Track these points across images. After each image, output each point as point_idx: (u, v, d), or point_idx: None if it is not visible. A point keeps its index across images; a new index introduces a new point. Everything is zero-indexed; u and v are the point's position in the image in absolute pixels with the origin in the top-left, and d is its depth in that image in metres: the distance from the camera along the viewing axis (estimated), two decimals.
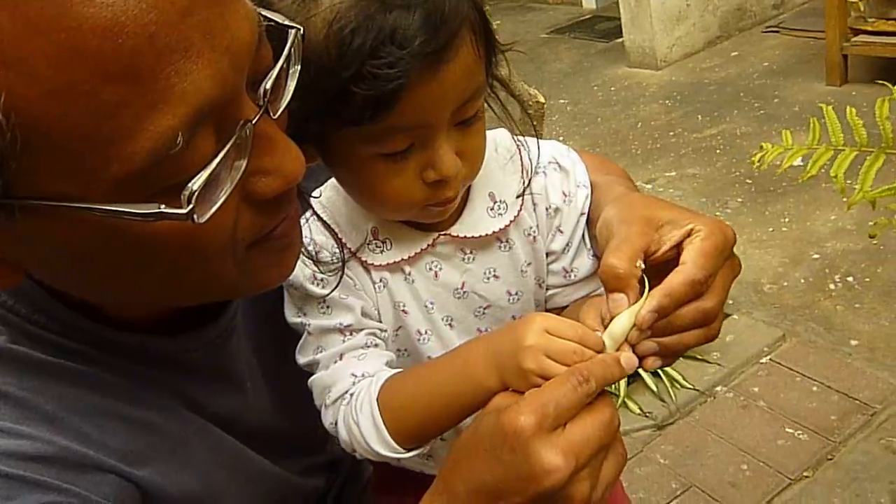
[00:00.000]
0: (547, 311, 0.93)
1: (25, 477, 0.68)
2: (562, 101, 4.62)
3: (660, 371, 2.17)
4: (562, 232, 0.88)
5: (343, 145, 0.73)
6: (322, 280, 0.83)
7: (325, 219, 0.83)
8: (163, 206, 0.54)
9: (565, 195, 0.87)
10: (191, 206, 0.55)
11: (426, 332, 0.88)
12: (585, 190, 0.88)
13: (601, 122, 4.20)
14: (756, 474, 1.85)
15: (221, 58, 0.55)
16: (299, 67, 0.64)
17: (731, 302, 2.45)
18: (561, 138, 4.08)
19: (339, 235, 0.84)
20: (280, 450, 1.01)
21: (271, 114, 0.61)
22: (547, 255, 0.90)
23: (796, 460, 1.85)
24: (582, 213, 0.89)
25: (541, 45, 5.80)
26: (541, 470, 0.62)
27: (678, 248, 0.71)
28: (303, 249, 0.79)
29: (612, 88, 4.62)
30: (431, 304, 0.86)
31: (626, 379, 2.13)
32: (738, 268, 0.76)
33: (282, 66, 0.62)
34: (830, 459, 1.85)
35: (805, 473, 1.81)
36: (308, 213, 0.84)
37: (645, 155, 3.67)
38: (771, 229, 2.86)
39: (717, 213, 3.03)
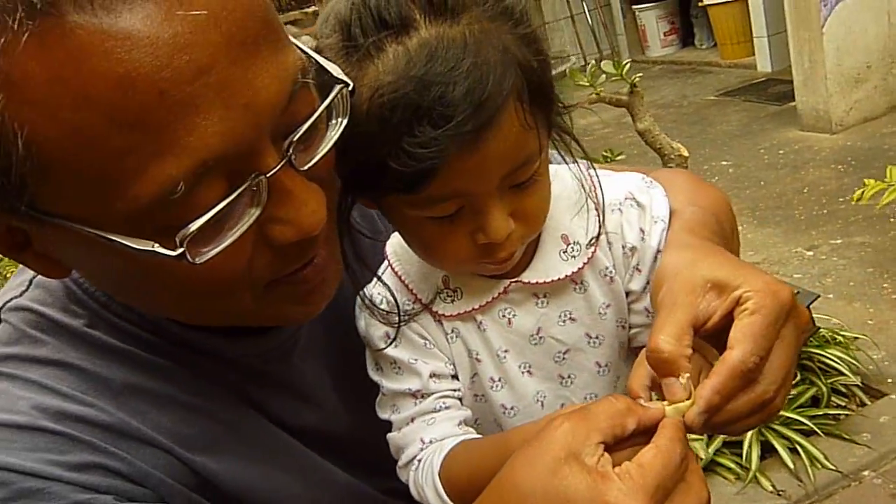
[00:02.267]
0: (631, 349, 0.88)
1: (77, 437, 0.73)
2: (724, 162, 4.46)
3: (799, 447, 2.00)
4: (640, 271, 0.84)
5: (392, 207, 0.73)
6: (395, 340, 0.83)
7: (397, 270, 0.84)
8: (156, 245, 0.59)
9: (642, 232, 0.83)
10: (182, 248, 0.59)
11: (498, 381, 0.86)
12: (662, 224, 0.82)
13: (764, 185, 4.00)
14: None
15: (236, 115, 0.58)
16: (344, 121, 0.66)
17: (889, 381, 2.24)
18: None
19: (411, 287, 0.84)
20: (361, 464, 1.01)
21: (297, 166, 0.63)
22: (626, 295, 0.85)
23: None
24: (659, 251, 0.83)
25: (709, 107, 5.66)
26: None
27: (729, 315, 0.64)
28: (376, 307, 0.82)
29: (781, 152, 4.41)
30: (505, 352, 0.84)
31: (758, 453, 1.99)
32: (806, 324, 0.69)
33: (317, 119, 0.64)
34: None
35: None
36: (383, 266, 0.86)
37: (809, 220, 3.45)
38: None
39: (885, 286, 2.79)
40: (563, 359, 0.85)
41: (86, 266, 0.71)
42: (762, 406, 0.64)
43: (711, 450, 2.03)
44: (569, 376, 0.86)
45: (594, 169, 0.85)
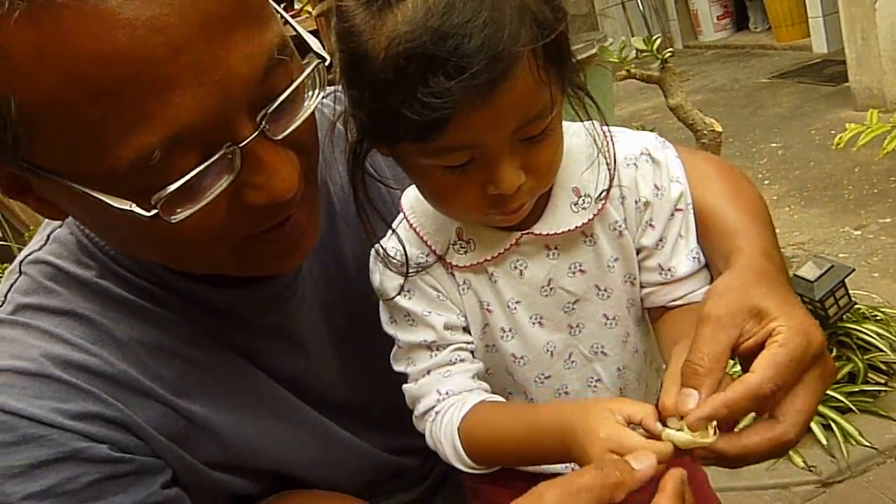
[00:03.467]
0: (645, 310, 0.90)
1: (81, 386, 0.79)
2: (773, 144, 4.36)
3: (833, 424, 1.96)
4: (653, 227, 0.85)
5: (405, 155, 0.75)
6: (409, 291, 0.86)
7: (412, 222, 0.86)
8: (133, 205, 0.65)
9: (657, 188, 0.84)
10: (156, 210, 0.65)
11: (509, 331, 0.89)
12: (680, 186, 0.84)
13: (813, 165, 3.90)
14: None
15: (209, 91, 0.63)
16: (321, 94, 0.72)
17: None
18: (766, 182, 3.86)
19: (425, 238, 0.86)
20: (365, 424, 1.04)
21: (271, 136, 0.68)
22: (638, 251, 0.87)
23: None
24: (677, 209, 0.85)
25: (761, 90, 5.53)
26: None
27: (762, 344, 0.67)
28: (390, 258, 0.85)
29: (833, 132, 4.26)
30: (516, 303, 0.87)
31: None
32: (831, 376, 0.70)
33: (294, 91, 0.69)
34: None
35: None
36: (398, 218, 0.88)
37: (858, 200, 3.36)
38: None
39: None
40: (573, 309, 0.88)
41: (77, 214, 0.78)
42: (781, 446, 0.67)
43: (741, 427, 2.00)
44: (577, 325, 0.89)
45: (608, 126, 0.85)
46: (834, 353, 2.10)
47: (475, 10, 0.65)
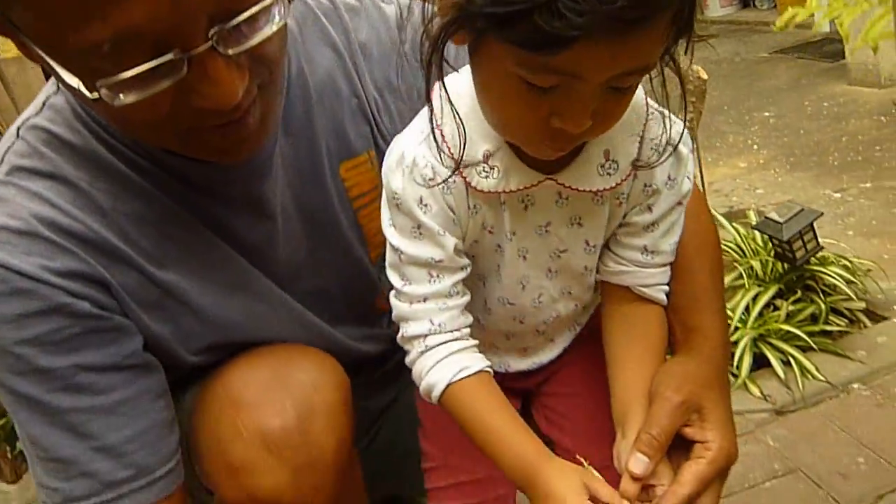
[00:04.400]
0: (612, 286, 0.95)
1: (66, 246, 0.85)
2: (767, 113, 4.40)
3: (792, 360, 2.03)
4: (651, 211, 0.88)
5: (496, 52, 0.69)
6: (427, 205, 0.84)
7: (444, 132, 0.82)
8: (81, 84, 0.70)
9: (670, 179, 0.87)
10: (98, 94, 0.70)
11: (501, 250, 0.91)
12: (689, 183, 0.88)
13: (803, 133, 3.95)
14: (872, 469, 1.68)
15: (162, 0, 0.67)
16: (281, 23, 0.75)
17: (895, 307, 2.25)
18: (755, 147, 3.91)
19: (453, 151, 0.82)
20: (330, 310, 1.10)
21: (222, 50, 0.72)
22: (623, 225, 0.91)
23: None
24: (679, 203, 0.89)
25: (760, 63, 5.57)
26: None
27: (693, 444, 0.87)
28: (418, 171, 0.82)
29: (825, 104, 4.33)
30: (512, 234, 0.89)
31: (749, 362, 2.02)
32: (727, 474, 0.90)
33: (260, 12, 0.72)
34: None
35: None
36: (427, 124, 0.82)
37: (842, 166, 3.41)
38: None
39: None
40: (559, 257, 0.92)
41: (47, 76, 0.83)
42: None
43: None
44: (556, 271, 0.93)
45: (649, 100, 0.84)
46: (798, 294, 2.17)
47: None
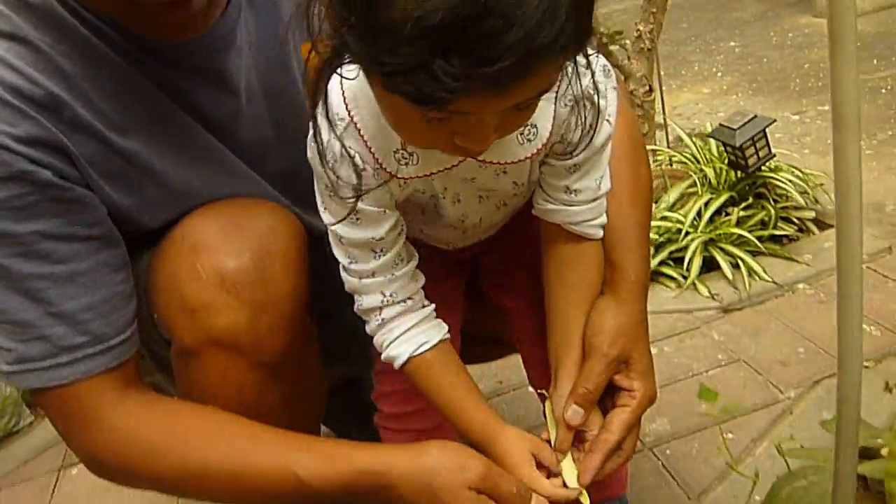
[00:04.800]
0: (546, 223, 0.97)
1: (27, 112, 0.84)
2: (732, 43, 4.43)
3: (741, 263, 2.07)
4: (571, 156, 0.88)
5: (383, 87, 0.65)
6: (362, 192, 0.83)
7: (361, 131, 0.80)
8: None
9: (591, 129, 0.85)
10: None
11: (436, 199, 0.92)
12: (609, 128, 0.87)
13: (767, 62, 3.98)
14: (811, 358, 1.74)
15: None
16: None
17: None
18: (719, 74, 3.93)
19: (375, 153, 0.81)
20: (300, 196, 1.10)
21: None
22: (544, 164, 0.91)
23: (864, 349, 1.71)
24: (602, 147, 0.89)
25: None
26: None
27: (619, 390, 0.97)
28: (349, 160, 0.80)
29: (790, 35, 4.36)
30: (444, 189, 0.91)
31: (699, 265, 2.07)
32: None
33: None
34: None
35: (866, 364, 1.68)
36: (345, 120, 0.80)
37: (802, 91, 3.45)
38: None
39: (861, 144, 2.81)
40: (487, 198, 0.95)
41: None
42: (623, 463, 0.97)
43: (656, 261, 2.11)
44: (490, 198, 0.96)
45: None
46: (750, 201, 2.21)
47: None
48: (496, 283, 1.19)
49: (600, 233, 0.96)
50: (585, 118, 0.82)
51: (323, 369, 1.21)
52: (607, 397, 0.99)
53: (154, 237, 1.00)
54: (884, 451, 1.01)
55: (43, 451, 2.01)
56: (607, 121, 0.86)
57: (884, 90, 3.28)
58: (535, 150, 0.85)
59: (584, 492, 0.94)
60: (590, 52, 0.77)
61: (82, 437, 0.94)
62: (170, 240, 0.97)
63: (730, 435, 1.54)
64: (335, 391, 1.64)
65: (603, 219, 0.95)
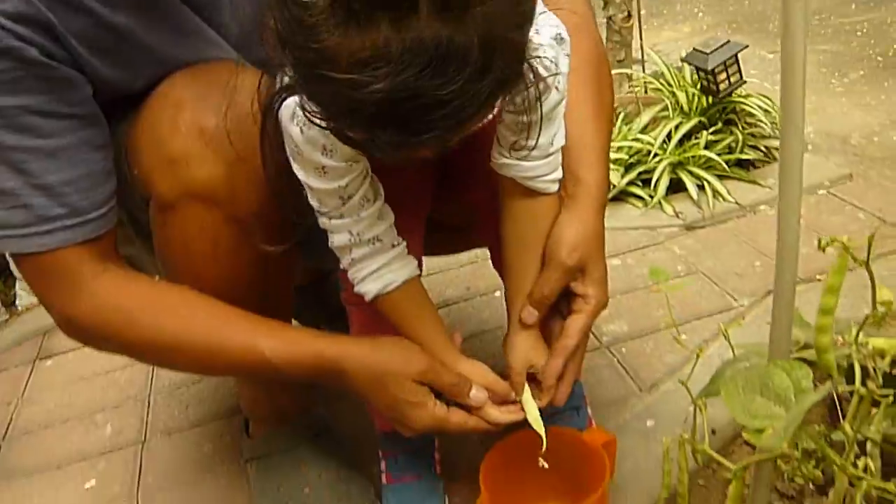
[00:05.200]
0: (503, 177, 1.00)
1: None
2: None
3: (706, 184, 2.13)
4: (524, 115, 0.89)
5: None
6: (331, 150, 0.86)
7: None
8: None
9: (538, 94, 0.87)
10: None
11: None
12: (558, 95, 0.90)
13: (748, 4, 4.01)
14: (767, 270, 1.80)
15: None
16: None
17: (809, 147, 2.35)
18: (700, 15, 3.94)
19: None
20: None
21: None
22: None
23: (814, 266, 1.77)
24: (553, 109, 0.91)
25: None
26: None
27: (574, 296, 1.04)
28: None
29: None
30: None
31: (666, 185, 2.12)
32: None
33: None
34: (851, 270, 1.76)
35: (818, 276, 1.75)
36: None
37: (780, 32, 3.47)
38: (883, 97, 2.67)
39: (833, 82, 2.86)
40: None
41: None
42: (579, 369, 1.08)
43: (625, 181, 2.16)
44: None
45: None
46: (719, 126, 2.25)
47: (455, 72, 0.60)
48: (462, 178, 1.22)
49: (555, 187, 1.00)
50: (536, 86, 0.82)
51: (298, 254, 1.25)
52: (563, 303, 1.06)
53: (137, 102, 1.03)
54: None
55: (18, 345, 2.05)
56: (556, 88, 0.88)
57: (859, 33, 3.32)
58: (490, 117, 0.87)
59: (540, 420, 1.04)
60: (541, 21, 0.82)
61: (60, 301, 0.99)
62: (151, 98, 1.00)
63: (683, 336, 1.61)
64: (307, 287, 1.69)
65: (558, 174, 0.98)
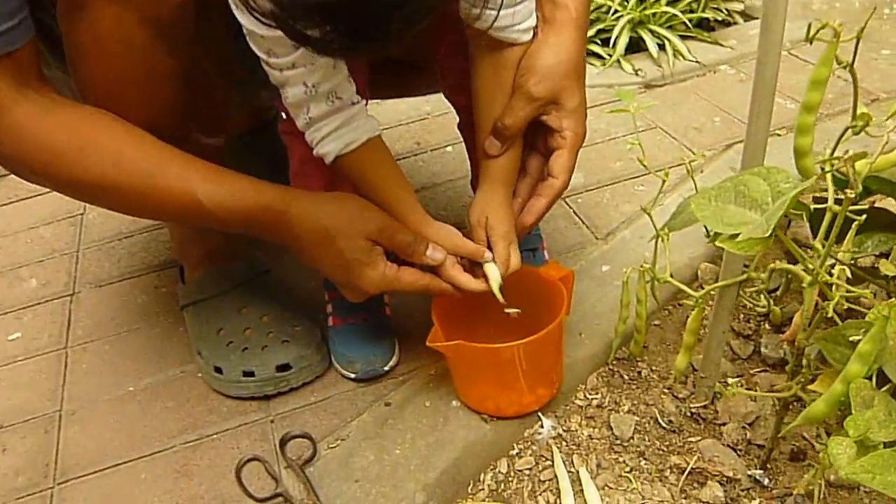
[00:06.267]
0: (473, 29, 0.93)
1: None
2: None
3: (667, 43, 2.05)
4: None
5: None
6: None
7: None
8: None
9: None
10: None
11: None
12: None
13: None
14: (725, 125, 1.75)
15: None
16: None
17: None
18: None
19: None
20: None
21: None
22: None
23: (775, 121, 1.72)
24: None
25: None
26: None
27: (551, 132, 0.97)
28: None
29: None
30: None
31: (626, 43, 2.03)
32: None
33: None
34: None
35: (778, 132, 1.70)
36: None
37: None
38: None
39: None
40: None
41: None
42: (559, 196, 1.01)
43: None
44: None
45: None
46: None
47: None
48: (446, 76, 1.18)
49: (527, 36, 0.93)
50: None
51: (228, 78, 1.15)
52: (540, 140, 1.00)
53: None
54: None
55: None
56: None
57: None
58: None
59: (499, 288, 0.98)
60: None
61: None
62: None
63: (641, 187, 1.56)
64: (245, 137, 1.58)
65: (531, 22, 0.92)
